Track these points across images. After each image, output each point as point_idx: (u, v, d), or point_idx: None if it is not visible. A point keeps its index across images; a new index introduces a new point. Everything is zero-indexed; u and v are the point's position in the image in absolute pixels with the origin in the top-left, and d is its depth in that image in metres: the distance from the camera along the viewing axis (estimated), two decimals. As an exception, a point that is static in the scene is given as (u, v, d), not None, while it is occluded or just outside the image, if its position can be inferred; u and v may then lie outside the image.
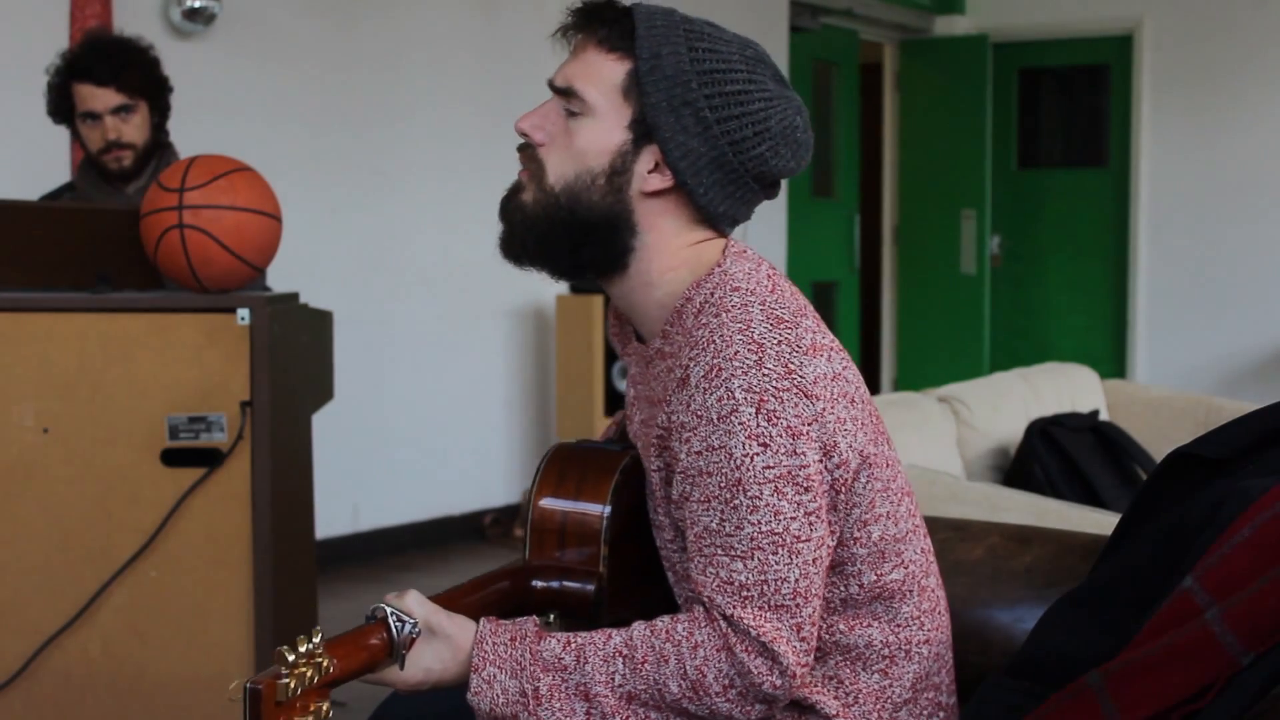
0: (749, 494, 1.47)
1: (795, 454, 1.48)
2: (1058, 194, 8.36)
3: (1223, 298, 7.71)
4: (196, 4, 4.71)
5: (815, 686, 1.57)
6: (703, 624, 1.48)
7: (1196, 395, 4.53)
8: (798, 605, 1.47)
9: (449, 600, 1.55)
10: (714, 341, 1.51)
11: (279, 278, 3.39)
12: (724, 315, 1.53)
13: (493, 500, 5.99)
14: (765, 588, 1.46)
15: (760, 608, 1.46)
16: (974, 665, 1.74)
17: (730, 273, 1.59)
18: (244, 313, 2.53)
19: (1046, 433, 3.87)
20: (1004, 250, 8.44)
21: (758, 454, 1.47)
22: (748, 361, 1.49)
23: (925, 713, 1.62)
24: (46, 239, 2.67)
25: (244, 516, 2.55)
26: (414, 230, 5.60)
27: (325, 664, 1.38)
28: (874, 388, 8.09)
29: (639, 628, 1.51)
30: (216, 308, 2.54)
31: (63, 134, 3.43)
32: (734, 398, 1.47)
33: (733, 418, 1.47)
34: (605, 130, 1.58)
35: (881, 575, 1.58)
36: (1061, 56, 8.34)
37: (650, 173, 1.58)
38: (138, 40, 3.30)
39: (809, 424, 1.49)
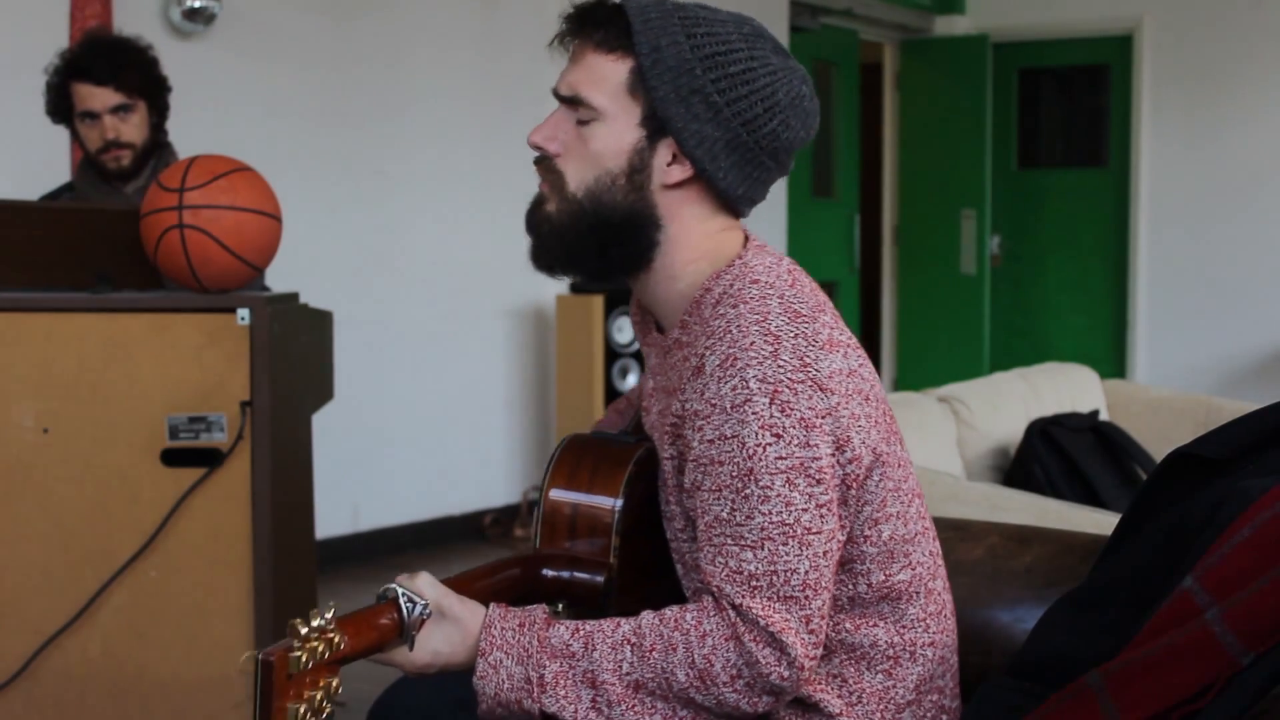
0: (760, 484, 1.47)
1: (808, 445, 1.48)
2: (1058, 194, 8.36)
3: (1223, 298, 7.71)
4: (196, 4, 4.71)
5: (819, 684, 1.57)
6: (711, 613, 1.48)
7: (1196, 395, 4.53)
8: (807, 597, 1.47)
9: (460, 584, 1.55)
10: (730, 332, 1.51)
11: (279, 278, 3.39)
12: (742, 306, 1.53)
13: (493, 500, 5.99)
14: (775, 578, 1.47)
15: (769, 598, 1.46)
16: (974, 665, 1.74)
17: (751, 265, 1.59)
18: (244, 313, 2.53)
19: (1046, 433, 3.87)
20: (1004, 250, 8.43)
21: (770, 444, 1.47)
22: (763, 352, 1.49)
23: (929, 715, 1.62)
24: (46, 239, 2.67)
25: (244, 516, 2.55)
26: (414, 230, 5.60)
27: (337, 640, 1.39)
28: (874, 388, 8.07)
29: (648, 616, 1.51)
30: (216, 308, 2.54)
31: (63, 134, 3.42)
32: (748, 387, 1.48)
33: (746, 407, 1.47)
34: (618, 131, 1.58)
35: (890, 575, 1.58)
36: (1061, 56, 8.34)
37: (669, 165, 1.58)
38: (136, 40, 3.30)
39: (822, 417, 1.49)
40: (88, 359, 2.53)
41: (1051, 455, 3.85)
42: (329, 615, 1.39)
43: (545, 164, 1.62)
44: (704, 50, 1.55)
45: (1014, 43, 8.30)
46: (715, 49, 1.56)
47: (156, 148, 3.30)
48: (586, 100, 1.58)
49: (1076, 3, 8.05)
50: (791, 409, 1.47)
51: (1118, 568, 1.58)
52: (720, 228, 1.63)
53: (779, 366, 1.48)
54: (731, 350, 1.50)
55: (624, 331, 5.84)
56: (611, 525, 1.62)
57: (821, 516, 1.49)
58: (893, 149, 8.57)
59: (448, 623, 1.51)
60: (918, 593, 1.61)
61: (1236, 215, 7.68)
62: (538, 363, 6.15)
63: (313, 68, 5.21)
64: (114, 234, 2.65)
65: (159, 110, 3.29)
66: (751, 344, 1.49)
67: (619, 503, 1.62)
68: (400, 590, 1.49)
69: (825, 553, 1.49)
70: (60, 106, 3.26)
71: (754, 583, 1.47)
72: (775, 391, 1.47)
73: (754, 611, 1.46)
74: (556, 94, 1.62)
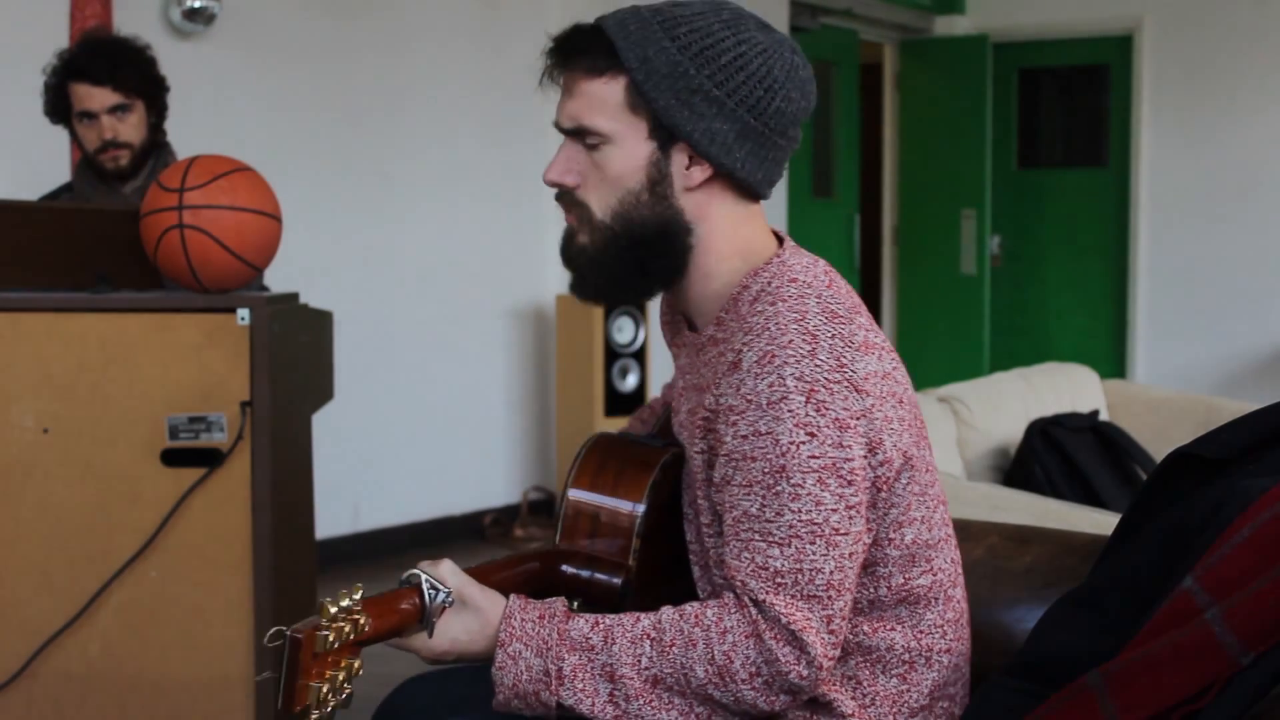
0: (792, 481, 1.47)
1: (841, 446, 1.48)
2: (1058, 194, 8.36)
3: (1223, 298, 7.71)
4: (196, 4, 4.71)
5: (833, 685, 1.57)
6: (733, 610, 1.49)
7: (1196, 395, 4.54)
8: (830, 597, 1.47)
9: (479, 575, 1.56)
10: (769, 329, 1.52)
11: (279, 278, 3.39)
12: (780, 305, 1.54)
13: (493, 500, 5.99)
14: (799, 576, 1.47)
15: (792, 596, 1.47)
16: (974, 665, 1.74)
17: (789, 264, 1.60)
18: (244, 313, 2.53)
19: (1046, 433, 3.88)
20: (1004, 250, 8.43)
21: (804, 442, 1.47)
22: (801, 351, 1.49)
23: (938, 721, 1.62)
24: (46, 239, 2.67)
25: (244, 516, 2.55)
26: (414, 230, 5.60)
27: (362, 622, 1.40)
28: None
29: (668, 612, 1.51)
30: (216, 308, 2.54)
31: (62, 134, 3.42)
32: (785, 385, 1.48)
33: (782, 404, 1.48)
34: (630, 150, 1.58)
35: (910, 579, 1.59)
36: (1061, 56, 8.34)
37: (688, 169, 1.58)
38: (134, 40, 3.29)
39: (857, 418, 1.50)
40: (88, 359, 2.53)
41: (1051, 455, 3.85)
42: (356, 596, 1.40)
43: (567, 198, 1.62)
44: (692, 49, 1.55)
45: (1014, 43, 8.30)
46: (703, 44, 1.55)
47: (155, 148, 3.30)
48: (591, 128, 1.58)
49: (1076, 3, 8.05)
50: (827, 409, 1.48)
51: (1118, 568, 1.58)
52: (746, 216, 1.63)
53: (816, 365, 1.49)
54: (770, 347, 1.50)
55: (624, 331, 5.84)
56: (633, 528, 1.63)
57: (850, 518, 1.49)
58: (893, 149, 8.57)
59: (468, 612, 1.52)
60: (936, 598, 1.61)
61: (1236, 215, 7.68)
62: (538, 363, 6.15)
63: (313, 68, 5.21)
64: (114, 234, 2.65)
65: (157, 110, 3.29)
66: (790, 342, 1.50)
67: (641, 507, 1.63)
68: (424, 576, 1.49)
69: (851, 554, 1.49)
70: (59, 107, 3.26)
71: (779, 580, 1.47)
72: (812, 390, 1.48)
73: (776, 608, 1.46)
74: (560, 128, 1.61)
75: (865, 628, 1.58)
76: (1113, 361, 8.03)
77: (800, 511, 1.47)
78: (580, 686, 1.49)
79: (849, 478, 1.48)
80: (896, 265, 8.61)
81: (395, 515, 5.58)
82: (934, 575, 1.61)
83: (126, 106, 3.21)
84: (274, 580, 2.56)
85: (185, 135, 3.58)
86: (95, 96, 3.19)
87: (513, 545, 5.72)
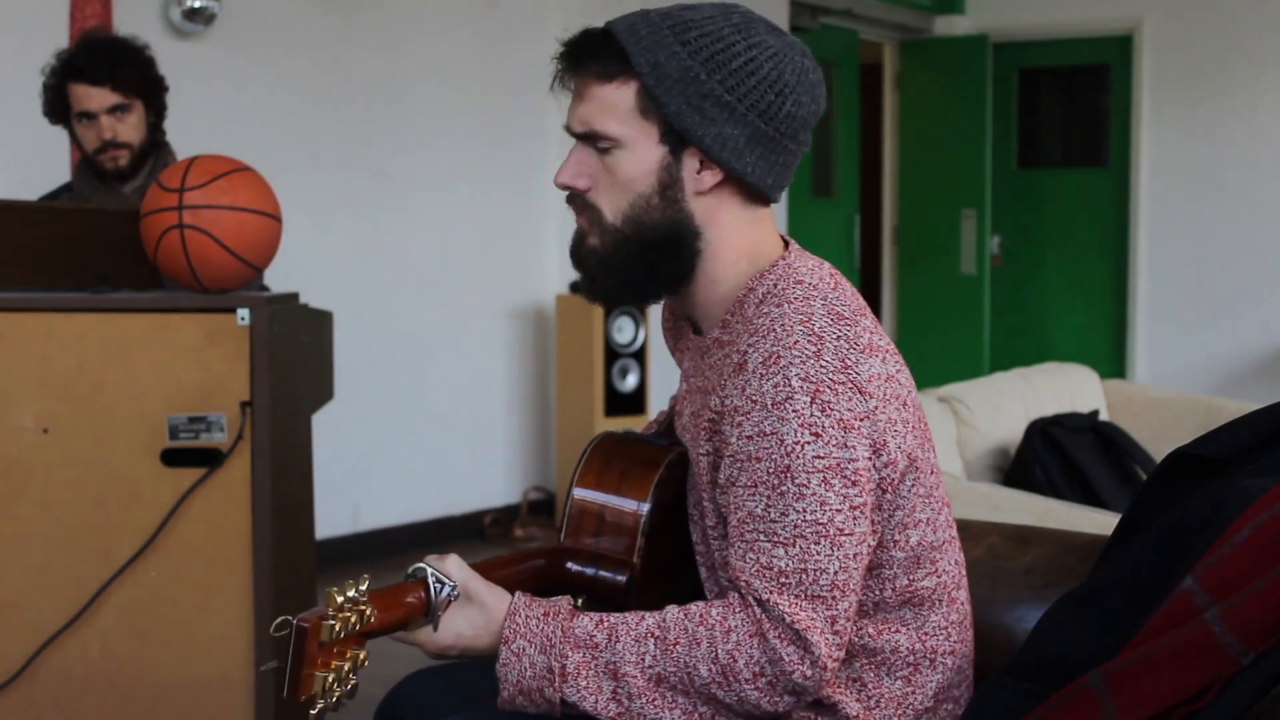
0: (796, 481, 1.47)
1: (845, 446, 1.48)
2: (1058, 194, 8.36)
3: (1223, 298, 7.71)
4: (196, 4, 4.71)
5: (838, 687, 1.57)
6: (737, 609, 1.49)
7: (1196, 395, 4.54)
8: (834, 598, 1.47)
9: (484, 570, 1.57)
10: (774, 330, 1.52)
11: (279, 278, 3.39)
12: (786, 306, 1.54)
13: (493, 500, 5.99)
14: (804, 576, 1.47)
15: (797, 596, 1.47)
16: (974, 665, 1.74)
17: (795, 266, 1.60)
18: (244, 313, 2.53)
19: (1046, 433, 3.88)
20: (1004, 250, 8.43)
21: (809, 443, 1.47)
22: (806, 352, 1.50)
23: (941, 724, 1.62)
24: (46, 239, 2.67)
25: (244, 516, 2.55)
26: (414, 230, 5.60)
27: (368, 613, 1.40)
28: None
29: (672, 610, 1.52)
30: (216, 308, 2.54)
31: (62, 134, 3.42)
32: (790, 385, 1.48)
33: (787, 405, 1.48)
34: (641, 154, 1.58)
35: (914, 581, 1.59)
36: (1061, 56, 8.34)
37: (699, 173, 1.59)
38: (133, 40, 3.29)
39: (861, 419, 1.50)
40: (88, 359, 2.53)
41: (1051, 455, 3.85)
42: (363, 588, 1.40)
43: (578, 200, 1.62)
44: (703, 53, 1.55)
45: (1014, 43, 8.30)
46: (713, 49, 1.55)
47: (154, 148, 3.29)
48: (602, 132, 1.58)
49: (1076, 3, 8.05)
50: (831, 409, 1.48)
51: (1118, 568, 1.58)
52: (755, 220, 1.64)
53: (821, 367, 1.49)
54: (775, 348, 1.51)
55: (624, 331, 5.84)
56: (638, 527, 1.64)
57: (855, 519, 1.49)
58: (893, 149, 8.57)
59: (473, 607, 1.52)
60: (941, 600, 1.61)
61: (1236, 215, 7.68)
62: (538, 363, 6.15)
63: (313, 68, 5.21)
64: (114, 234, 2.65)
65: (156, 110, 3.29)
66: (795, 343, 1.50)
67: (646, 506, 1.64)
68: (430, 570, 1.50)
69: (855, 555, 1.49)
70: (58, 107, 3.26)
71: (783, 580, 1.47)
72: (816, 391, 1.48)
73: (780, 608, 1.46)
74: (571, 133, 1.62)
75: (870, 629, 1.58)
76: (1113, 361, 8.03)
77: (805, 512, 1.47)
78: (584, 684, 1.49)
79: (853, 478, 1.49)
80: (896, 265, 8.61)
81: (395, 515, 5.58)
82: (938, 577, 1.61)
83: (125, 106, 3.21)
84: (274, 580, 2.56)
85: (185, 135, 3.58)
86: (94, 96, 3.19)
87: (512, 545, 5.72)
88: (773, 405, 1.49)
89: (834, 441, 1.48)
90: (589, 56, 1.58)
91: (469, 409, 5.87)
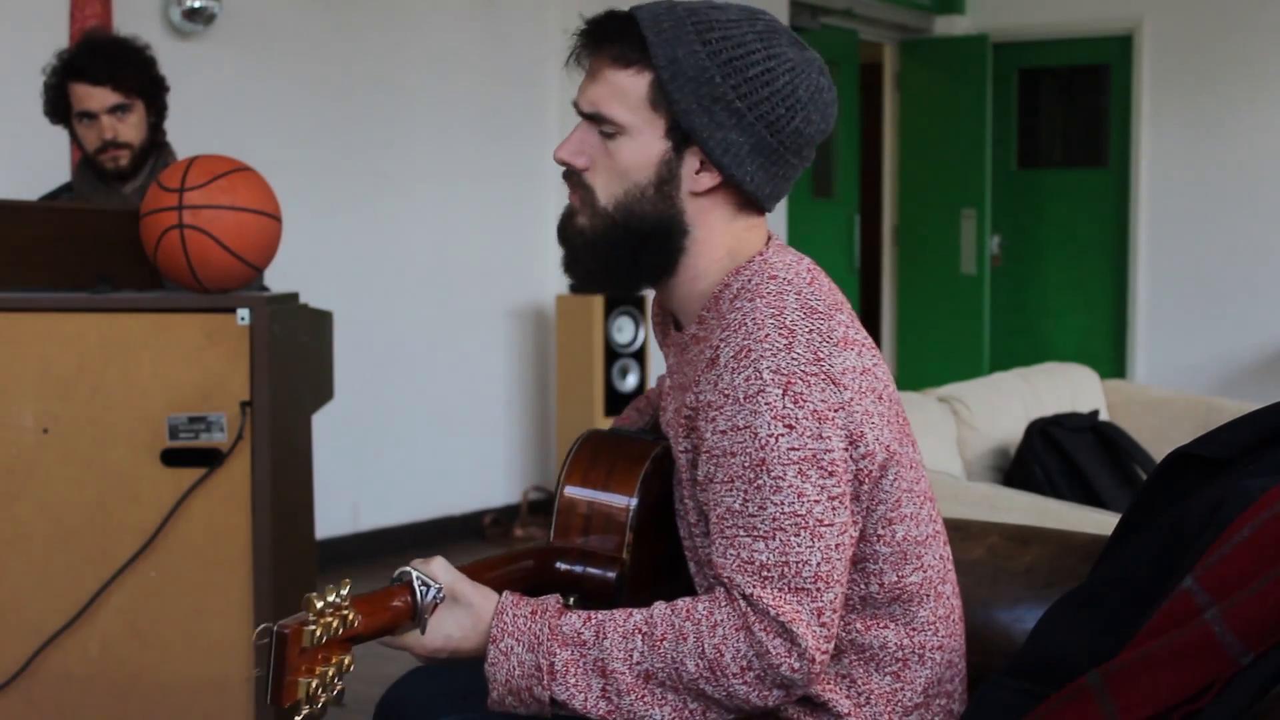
0: (772, 474, 1.47)
1: (820, 438, 1.48)
2: (1058, 194, 8.36)
3: (1223, 298, 7.71)
4: (196, 4, 4.71)
5: (828, 684, 1.57)
6: (723, 604, 1.48)
7: (1196, 395, 4.54)
8: (819, 589, 1.47)
9: (473, 572, 1.56)
10: (745, 324, 1.52)
11: (279, 278, 3.39)
12: (758, 301, 1.54)
13: (493, 500, 5.99)
14: (786, 569, 1.46)
15: (780, 589, 1.46)
16: (974, 665, 1.74)
17: (771, 262, 1.60)
18: (244, 313, 2.53)
19: (1046, 433, 3.87)
20: (1004, 250, 8.43)
21: (782, 435, 1.47)
22: (777, 345, 1.49)
23: (936, 719, 1.62)
24: (46, 239, 2.67)
25: (244, 516, 2.55)
26: (414, 230, 5.60)
27: (351, 617, 1.39)
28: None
29: (659, 607, 1.51)
30: (216, 308, 2.54)
31: (62, 134, 3.42)
32: (761, 378, 1.48)
33: (759, 398, 1.48)
34: (644, 145, 1.58)
35: (902, 577, 1.59)
36: (1061, 56, 8.34)
37: (697, 173, 1.58)
38: (134, 40, 3.29)
39: (835, 410, 1.49)
40: (88, 359, 2.53)
41: (1051, 455, 3.85)
42: (344, 592, 1.39)
43: (574, 178, 1.62)
44: (722, 56, 1.55)
45: (1014, 43, 8.30)
46: (733, 53, 1.55)
47: (155, 148, 3.29)
48: (609, 116, 1.58)
49: (1076, 3, 8.05)
50: (804, 401, 1.48)
51: (1118, 568, 1.58)
52: (744, 227, 1.64)
53: (793, 359, 1.49)
54: (746, 342, 1.50)
55: (624, 331, 5.84)
56: (626, 522, 1.63)
57: (834, 509, 1.48)
58: (893, 149, 8.57)
59: (460, 608, 1.51)
60: (928, 595, 1.61)
61: (1236, 215, 7.68)
62: (538, 363, 6.15)
63: (313, 68, 5.21)
64: (114, 234, 2.65)
65: (157, 110, 3.29)
66: (766, 336, 1.50)
67: (634, 500, 1.63)
68: (415, 573, 1.49)
69: (837, 545, 1.49)
70: (58, 107, 3.26)
71: (765, 573, 1.46)
72: (788, 383, 1.48)
73: (765, 602, 1.45)
74: (578, 109, 1.62)
75: (858, 625, 1.58)
76: (1113, 361, 8.03)
77: (783, 504, 1.47)
78: (573, 681, 1.48)
79: (830, 469, 1.48)
80: (896, 265, 8.60)
81: (395, 515, 5.58)
82: (924, 572, 1.61)
83: (126, 106, 3.21)
84: (274, 580, 2.56)
85: (185, 135, 3.58)
86: (95, 96, 3.19)
87: (513, 545, 5.72)
88: (745, 399, 1.48)
89: (808, 433, 1.47)
90: (609, 39, 1.58)
91: (469, 409, 5.87)
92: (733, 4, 1.61)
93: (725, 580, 1.49)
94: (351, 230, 5.35)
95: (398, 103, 5.51)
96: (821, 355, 1.50)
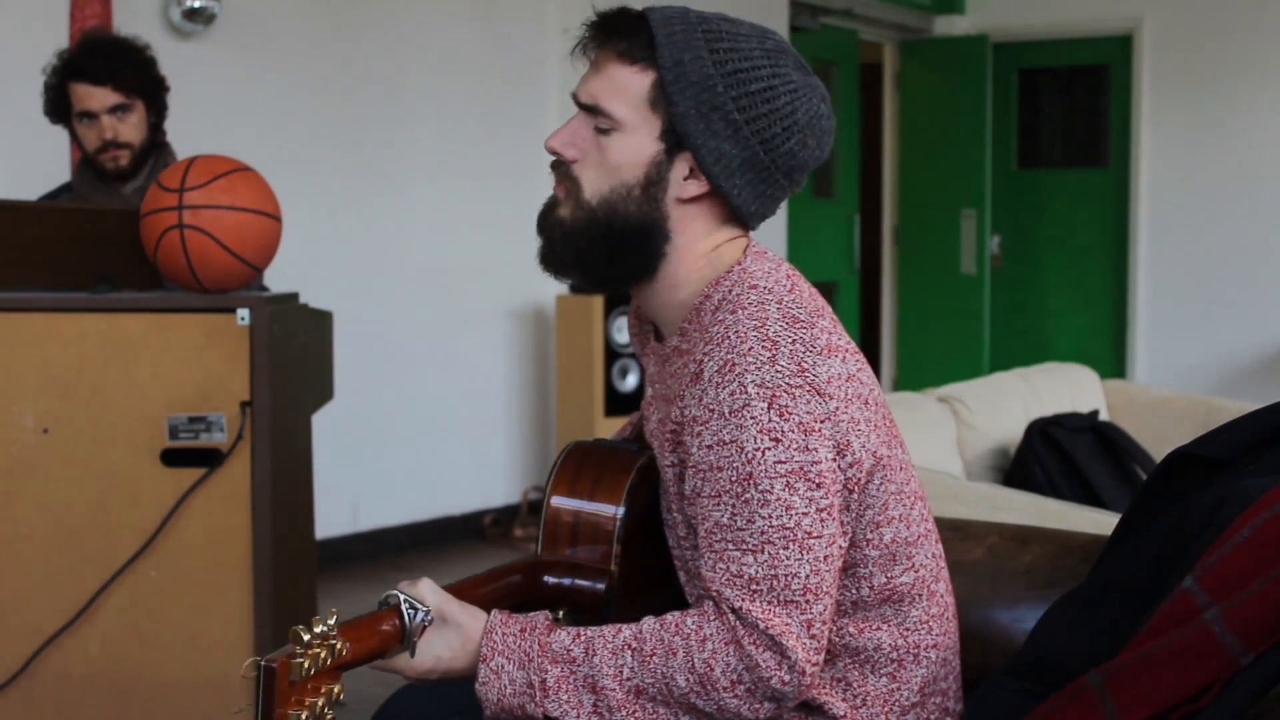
0: (760, 488, 1.46)
1: (807, 450, 1.47)
2: (1058, 194, 8.36)
3: (1223, 298, 7.71)
4: (196, 4, 4.71)
5: (824, 688, 1.57)
6: (712, 618, 1.48)
7: (1196, 395, 4.54)
8: (808, 602, 1.46)
9: (461, 591, 1.55)
10: (729, 337, 1.51)
11: (279, 278, 3.39)
12: (740, 312, 1.53)
13: (493, 500, 5.99)
14: (775, 582, 1.46)
15: (770, 602, 1.46)
16: (974, 665, 1.74)
17: (750, 271, 1.59)
18: (244, 313, 2.53)
19: (1046, 433, 3.87)
20: (1004, 250, 8.44)
21: (769, 448, 1.46)
22: (761, 358, 1.49)
23: (933, 717, 1.62)
24: (46, 239, 2.67)
25: (244, 516, 2.55)
26: (414, 230, 5.60)
27: (339, 646, 1.38)
28: (874, 388, 8.07)
29: (649, 622, 1.51)
30: (216, 308, 2.54)
31: (62, 134, 3.43)
32: (746, 392, 1.47)
33: (745, 412, 1.47)
34: (637, 143, 1.58)
35: (892, 578, 1.58)
36: (1061, 56, 8.34)
37: (685, 180, 1.58)
38: (134, 40, 3.30)
39: (821, 421, 1.49)
40: (88, 359, 2.53)
41: (1051, 455, 3.85)
42: (331, 622, 1.38)
43: (562, 169, 1.62)
44: (727, 66, 1.55)
45: (1014, 43, 8.31)
46: (738, 65, 1.55)
47: (154, 148, 3.30)
48: (607, 110, 1.57)
49: (1076, 3, 8.05)
50: (790, 413, 1.47)
51: (1118, 568, 1.58)
52: (726, 239, 1.63)
53: (777, 371, 1.48)
54: (729, 356, 1.50)
55: (624, 332, 5.83)
56: (613, 533, 1.62)
57: (822, 521, 1.48)
58: (893, 149, 8.57)
59: (449, 629, 1.50)
60: (920, 595, 1.61)
61: (1236, 215, 7.68)
62: (538, 363, 6.15)
63: (312, 68, 5.21)
64: (114, 234, 2.65)
65: (157, 110, 3.29)
66: (749, 349, 1.49)
67: (621, 510, 1.62)
68: (402, 596, 1.48)
69: (826, 557, 1.48)
70: (58, 107, 3.26)
71: (754, 586, 1.46)
72: (774, 396, 1.47)
73: (754, 615, 1.45)
74: (576, 100, 1.61)
75: (851, 629, 1.58)
76: (1113, 361, 8.03)
77: (770, 517, 1.46)
78: (564, 698, 1.48)
79: (817, 480, 1.48)
80: (896, 265, 8.61)
81: (395, 515, 5.58)
82: (916, 572, 1.60)
83: (126, 106, 3.21)
84: (274, 580, 2.56)
85: (185, 135, 3.58)
86: (95, 96, 3.19)
87: (513, 545, 5.73)
88: (730, 413, 1.48)
89: (795, 445, 1.47)
90: (619, 34, 1.58)
91: (469, 409, 5.87)
92: (746, 20, 1.61)
93: (714, 594, 1.48)
94: (351, 230, 5.35)
95: (397, 102, 5.51)
96: (806, 365, 1.50)
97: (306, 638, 1.35)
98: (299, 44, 5.16)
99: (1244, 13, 7.58)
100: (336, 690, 1.40)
